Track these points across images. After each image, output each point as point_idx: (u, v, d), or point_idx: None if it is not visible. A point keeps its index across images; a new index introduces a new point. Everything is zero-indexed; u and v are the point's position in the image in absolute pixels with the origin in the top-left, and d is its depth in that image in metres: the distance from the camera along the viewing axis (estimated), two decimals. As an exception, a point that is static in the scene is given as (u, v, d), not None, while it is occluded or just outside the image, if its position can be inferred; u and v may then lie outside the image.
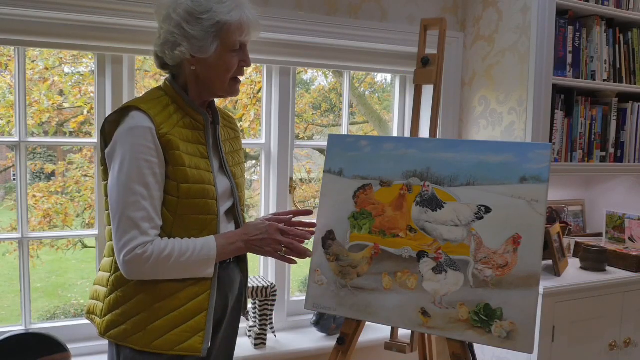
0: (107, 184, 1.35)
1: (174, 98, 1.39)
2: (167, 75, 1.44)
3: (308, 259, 1.70)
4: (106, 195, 1.36)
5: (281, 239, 1.43)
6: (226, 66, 1.37)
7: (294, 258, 1.49)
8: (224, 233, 1.42)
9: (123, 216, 1.27)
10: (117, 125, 1.32)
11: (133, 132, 1.28)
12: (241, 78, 1.47)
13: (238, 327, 1.62)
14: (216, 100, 1.54)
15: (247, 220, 1.56)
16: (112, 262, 1.36)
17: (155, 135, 1.29)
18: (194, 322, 1.35)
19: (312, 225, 1.59)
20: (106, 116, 1.36)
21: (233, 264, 1.50)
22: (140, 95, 1.43)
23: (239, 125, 1.65)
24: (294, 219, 1.55)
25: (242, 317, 1.65)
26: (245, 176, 1.64)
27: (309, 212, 1.62)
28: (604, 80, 2.39)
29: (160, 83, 1.45)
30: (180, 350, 1.33)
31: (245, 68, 1.45)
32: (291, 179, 2.37)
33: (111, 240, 1.36)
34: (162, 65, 1.43)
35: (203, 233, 1.37)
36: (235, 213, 1.50)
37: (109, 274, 1.37)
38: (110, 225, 1.36)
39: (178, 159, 1.32)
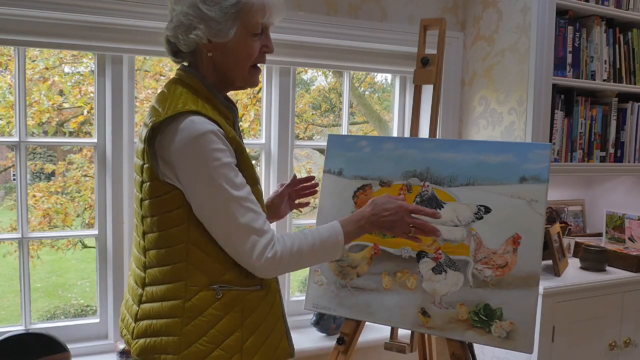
0: (158, 200, 1.19)
1: (206, 95, 1.25)
2: (185, 65, 1.30)
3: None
4: (157, 215, 1.20)
5: (412, 220, 1.34)
6: (247, 52, 1.25)
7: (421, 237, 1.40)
8: (350, 214, 1.35)
9: (234, 227, 1.16)
10: (163, 133, 1.17)
11: (201, 139, 1.14)
12: (262, 66, 1.35)
13: None
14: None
15: None
16: (184, 287, 1.20)
17: (222, 136, 1.17)
18: (277, 329, 1.30)
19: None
20: (152, 123, 1.18)
21: None
22: (169, 93, 1.25)
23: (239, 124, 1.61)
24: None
25: None
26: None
27: (311, 178, 1.62)
28: (604, 80, 2.39)
29: (163, 82, 1.39)
30: (275, 359, 1.28)
31: (267, 54, 1.32)
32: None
33: (165, 265, 1.21)
34: (175, 52, 1.29)
35: None
36: None
37: (179, 301, 1.19)
38: (165, 247, 1.21)
39: (247, 161, 1.23)
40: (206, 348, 1.18)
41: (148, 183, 1.20)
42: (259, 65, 1.32)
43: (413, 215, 1.35)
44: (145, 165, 1.20)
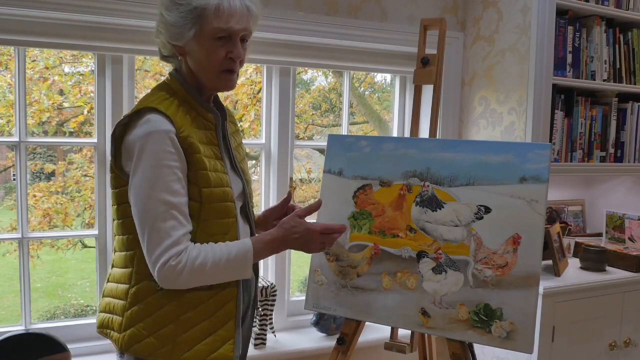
0: (118, 191, 1.30)
1: (183, 97, 1.33)
2: (171, 70, 1.38)
3: (308, 259, 1.71)
4: (116, 204, 1.31)
5: (323, 238, 1.38)
6: (209, 57, 1.29)
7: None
8: (260, 234, 1.37)
9: (153, 228, 1.21)
10: (128, 128, 1.26)
11: (151, 136, 1.22)
12: (235, 70, 1.36)
13: (253, 320, 1.58)
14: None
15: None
16: (130, 274, 1.30)
17: (175, 138, 1.24)
18: (223, 331, 1.31)
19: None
20: (120, 119, 1.29)
21: None
22: (147, 93, 1.36)
23: (239, 125, 1.62)
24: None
25: None
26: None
27: (289, 197, 1.58)
28: (604, 80, 2.39)
29: (162, 81, 1.39)
30: None
31: (238, 61, 1.34)
32: (291, 179, 2.37)
33: (125, 251, 1.32)
34: (163, 56, 1.39)
35: (226, 237, 1.32)
36: (247, 211, 1.45)
37: (127, 285, 1.30)
38: (123, 235, 1.32)
39: (200, 162, 1.27)
40: (141, 333, 1.27)
41: (111, 175, 1.32)
42: (234, 69, 1.35)
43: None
44: (109, 158, 1.32)
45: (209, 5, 1.26)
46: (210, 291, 1.30)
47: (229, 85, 1.37)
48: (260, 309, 2.19)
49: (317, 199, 1.55)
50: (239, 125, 1.57)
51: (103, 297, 1.39)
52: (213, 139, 1.35)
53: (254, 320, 2.18)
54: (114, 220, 1.35)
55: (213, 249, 1.27)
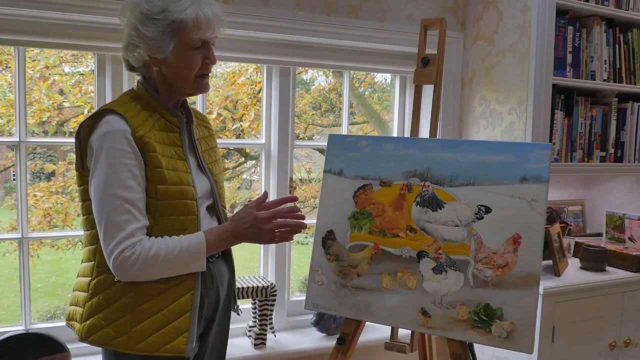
0: (83, 188, 1.36)
1: (147, 101, 1.39)
2: (139, 77, 1.44)
3: (308, 259, 1.71)
4: (82, 200, 1.38)
5: (272, 226, 1.42)
6: (188, 65, 1.37)
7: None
8: (214, 227, 1.42)
9: (108, 221, 1.28)
10: (92, 130, 1.32)
11: (107, 136, 1.29)
12: (209, 74, 1.46)
13: (230, 320, 1.62)
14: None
15: (227, 215, 1.57)
16: (92, 266, 1.37)
17: (130, 138, 1.30)
18: (177, 323, 1.35)
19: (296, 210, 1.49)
20: (82, 121, 1.36)
21: (220, 260, 1.51)
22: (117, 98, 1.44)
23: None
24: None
25: (232, 312, 1.64)
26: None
27: (294, 199, 1.55)
28: (604, 80, 2.39)
29: (130, 88, 1.44)
30: (164, 352, 1.33)
31: (211, 65, 1.44)
32: (291, 179, 2.37)
33: (89, 246, 1.38)
34: (130, 67, 1.44)
35: (185, 233, 1.37)
36: (216, 210, 1.51)
37: (89, 278, 1.37)
38: (87, 230, 1.38)
39: (155, 160, 1.32)
40: (99, 324, 1.33)
41: (76, 173, 1.38)
42: (209, 73, 1.44)
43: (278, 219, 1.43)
44: (76, 157, 1.38)
45: (187, 18, 1.32)
46: (166, 284, 1.35)
47: (206, 88, 1.46)
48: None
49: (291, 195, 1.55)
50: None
51: (72, 291, 1.45)
52: (176, 140, 1.41)
53: (257, 318, 2.18)
54: (83, 216, 1.40)
55: (166, 242, 1.32)
